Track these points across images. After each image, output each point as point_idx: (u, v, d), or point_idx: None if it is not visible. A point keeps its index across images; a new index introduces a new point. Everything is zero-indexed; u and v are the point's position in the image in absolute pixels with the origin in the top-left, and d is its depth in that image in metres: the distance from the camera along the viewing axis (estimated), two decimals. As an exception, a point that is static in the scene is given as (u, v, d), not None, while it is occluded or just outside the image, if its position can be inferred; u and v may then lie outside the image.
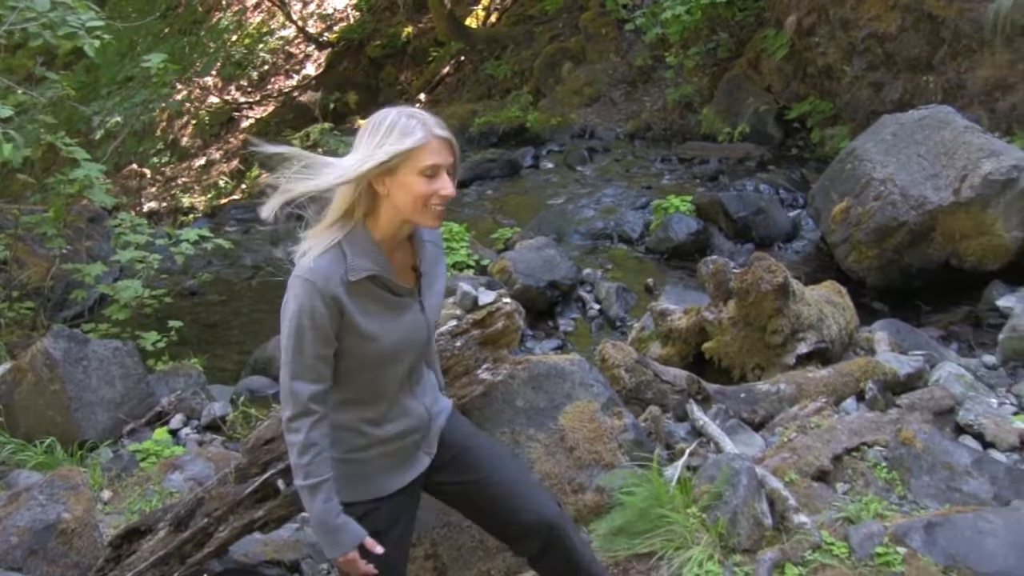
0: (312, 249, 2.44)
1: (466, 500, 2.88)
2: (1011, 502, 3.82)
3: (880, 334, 5.64)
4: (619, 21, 14.70)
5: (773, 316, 5.04)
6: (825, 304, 5.36)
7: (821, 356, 5.14)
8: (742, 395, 4.78)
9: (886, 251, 6.66)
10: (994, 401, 5.03)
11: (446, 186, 2.42)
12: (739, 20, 12.75)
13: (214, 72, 20.22)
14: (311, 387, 2.45)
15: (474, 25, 19.36)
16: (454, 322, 3.91)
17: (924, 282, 6.78)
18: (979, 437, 4.60)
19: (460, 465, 2.82)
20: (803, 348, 5.07)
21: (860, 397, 4.87)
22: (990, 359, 5.68)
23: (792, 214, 8.59)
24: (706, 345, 5.29)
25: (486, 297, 4.00)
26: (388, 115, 2.44)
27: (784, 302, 5.01)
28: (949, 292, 6.68)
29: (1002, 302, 6.07)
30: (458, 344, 3.89)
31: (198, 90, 20.22)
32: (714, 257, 5.54)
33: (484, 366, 3.99)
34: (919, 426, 4.37)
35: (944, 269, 6.69)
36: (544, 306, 7.09)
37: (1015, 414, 4.88)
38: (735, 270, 5.28)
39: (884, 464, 4.18)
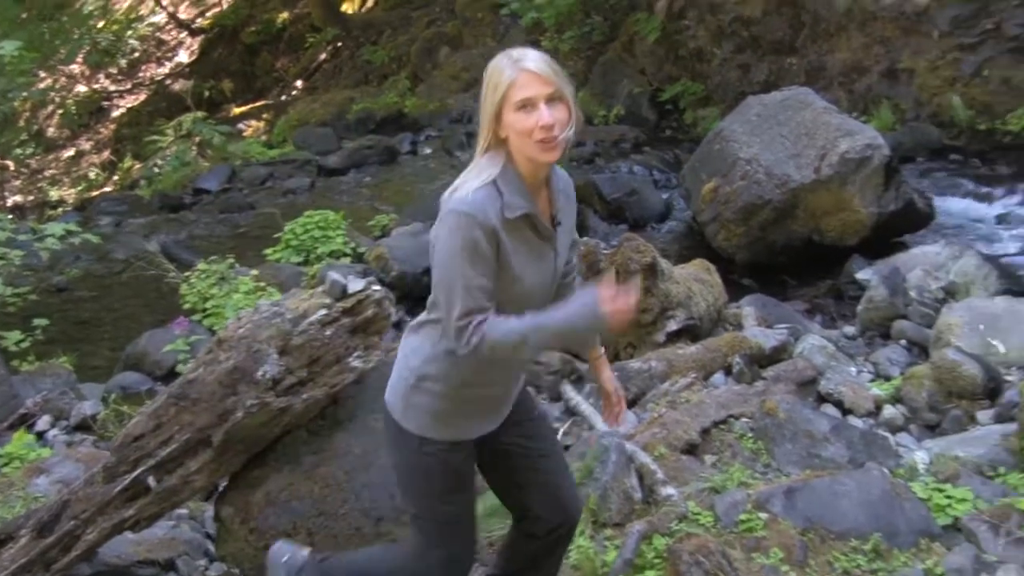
0: (466, 184, 2.47)
1: (509, 462, 2.87)
2: (864, 464, 4.00)
3: (747, 309, 5.83)
4: (495, 6, 14.73)
5: (643, 295, 5.16)
6: (694, 282, 5.51)
7: (691, 333, 5.29)
8: (615, 374, 4.87)
9: (753, 229, 6.87)
10: (853, 370, 5.27)
11: (543, 116, 2.41)
12: (612, 4, 12.92)
13: (80, 60, 19.55)
14: (476, 316, 2.41)
15: (350, 10, 19.18)
16: (323, 311, 3.92)
17: (789, 258, 7.02)
18: (839, 404, 4.81)
19: (525, 430, 2.85)
20: (673, 326, 5.21)
21: (728, 371, 5.04)
22: (850, 330, 5.93)
23: (665, 195, 8.78)
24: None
25: (355, 285, 4.02)
26: (489, 66, 2.52)
27: (653, 281, 5.14)
28: (813, 267, 6.94)
29: (861, 275, 6.35)
30: (328, 333, 3.89)
31: (63, 78, 19.54)
32: (585, 239, 5.64)
33: (355, 354, 4.00)
34: (783, 397, 4.54)
35: (808, 245, 6.94)
36: (420, 292, 7.07)
37: (871, 381, 5.12)
38: (605, 251, 5.39)
39: (750, 435, 4.34)
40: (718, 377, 4.94)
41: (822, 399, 4.90)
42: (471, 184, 2.45)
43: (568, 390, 4.61)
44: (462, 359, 2.51)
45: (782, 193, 6.70)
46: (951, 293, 5.84)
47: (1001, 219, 7.57)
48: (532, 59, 2.44)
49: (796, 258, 7.02)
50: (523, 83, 2.41)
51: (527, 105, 2.41)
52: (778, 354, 5.27)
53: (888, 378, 5.15)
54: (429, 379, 2.60)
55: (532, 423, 2.88)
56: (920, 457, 4.22)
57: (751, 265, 7.06)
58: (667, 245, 7.60)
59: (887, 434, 4.57)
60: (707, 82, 11.29)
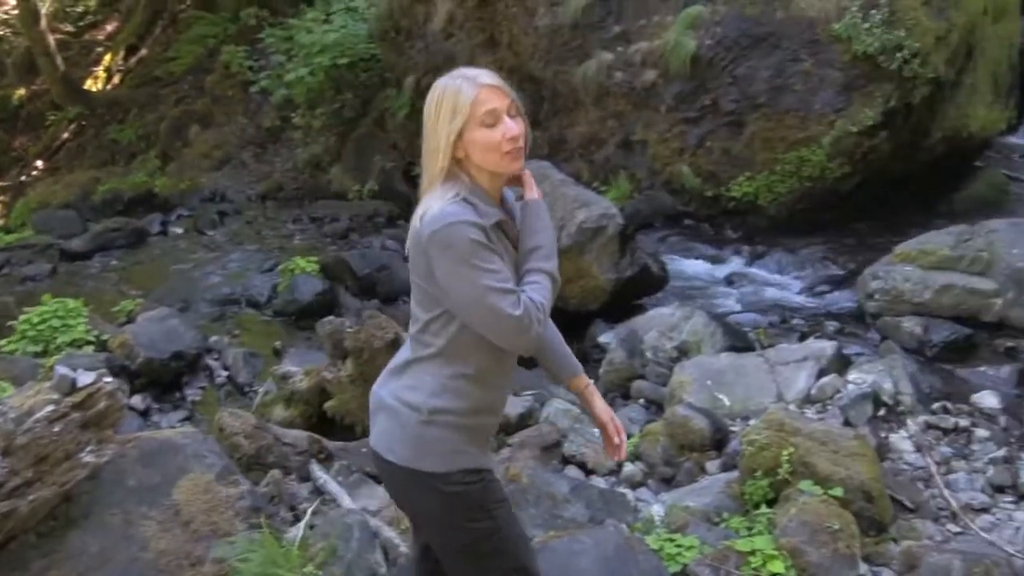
0: (433, 205, 2.41)
1: None
2: (603, 521, 4.19)
3: (495, 378, 5.99)
4: (245, 83, 14.67)
5: (389, 371, 5.23)
6: (439, 355, 5.62)
7: (438, 405, 5.38)
8: (363, 450, 4.90)
9: (498, 299, 7.06)
10: (596, 431, 5.49)
11: (509, 128, 2.44)
12: (363, 81, 13.11)
13: None
14: (522, 297, 2.39)
15: (95, 88, 18.53)
16: (51, 407, 3.76)
17: (536, 325, 7.25)
18: (582, 465, 5.03)
19: None
20: (412, 398, 5.28)
21: (475, 440, 5.15)
22: (594, 392, 6.19)
23: (416, 268, 8.91)
24: (328, 404, 5.39)
25: (85, 378, 3.89)
26: (437, 88, 2.50)
27: (398, 357, 5.21)
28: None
29: (602, 338, 6.66)
30: (56, 429, 3.74)
31: None
32: (330, 318, 5.69)
33: (88, 449, 3.86)
34: (526, 462, 4.70)
35: (553, 312, 7.17)
36: (169, 378, 6.89)
37: (613, 440, 5.35)
38: (350, 329, 5.43)
39: (496, 502, 4.44)
40: (465, 448, 5.04)
41: (567, 461, 5.09)
42: (438, 204, 2.41)
43: (315, 469, 4.59)
44: (467, 389, 2.52)
45: (525, 263, 6.95)
46: (683, 352, 6.23)
47: (728, 280, 8.16)
48: (487, 75, 2.49)
49: (542, 325, 7.24)
50: (485, 98, 2.44)
51: (493, 118, 2.44)
52: (524, 420, 5.44)
53: (628, 436, 5.40)
54: (441, 412, 2.51)
55: None
56: (656, 510, 4.46)
57: (498, 335, 7.23)
58: (418, 318, 7.71)
59: (627, 490, 4.81)
60: (457, 156, 11.59)
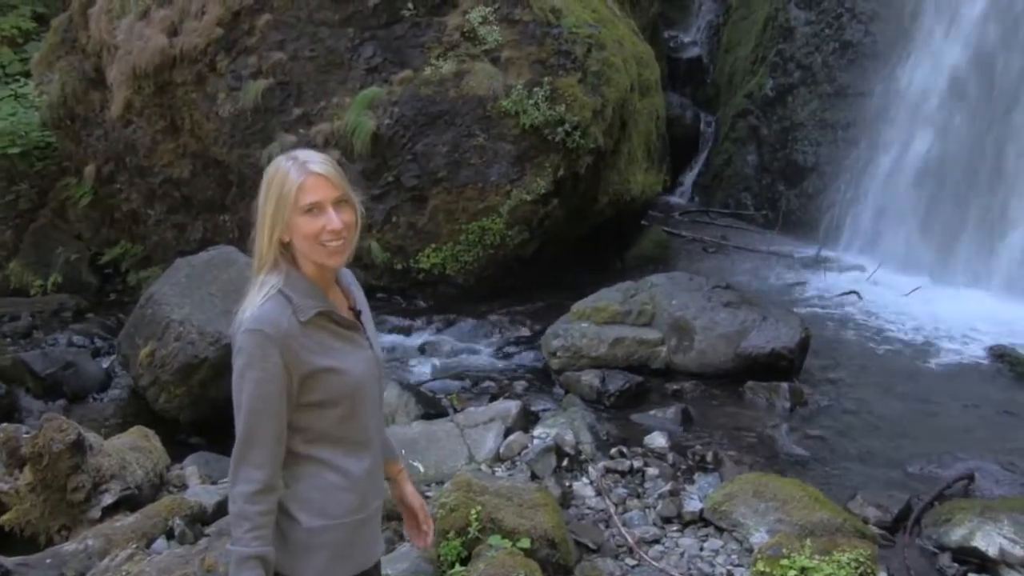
0: (252, 302, 2.39)
1: None
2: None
3: (190, 469, 5.92)
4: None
5: (72, 474, 5.06)
6: (129, 451, 5.49)
7: (129, 503, 5.26)
8: (48, 561, 4.71)
9: (193, 388, 6.96)
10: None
11: (331, 221, 2.38)
12: (39, 170, 12.54)
13: None
14: (263, 454, 2.37)
15: None
16: None
17: (231, 411, 7.18)
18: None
19: None
20: (108, 499, 5.15)
21: (170, 535, 5.07)
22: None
23: (106, 363, 8.59)
24: (4, 517, 5.13)
25: None
26: (271, 168, 2.45)
27: (81, 458, 5.06)
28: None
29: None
30: None
31: None
32: (3, 425, 5.43)
33: None
34: (224, 550, 4.67)
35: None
36: None
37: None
38: (27, 434, 5.21)
39: (188, 598, 4.40)
40: (159, 543, 4.95)
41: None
42: (256, 301, 2.39)
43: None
44: (338, 488, 2.51)
45: (216, 350, 6.88)
46: (379, 423, 6.39)
47: (422, 349, 8.44)
48: (317, 161, 2.42)
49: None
50: (311, 186, 2.39)
51: (315, 209, 2.39)
52: (222, 509, 5.39)
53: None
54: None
55: None
56: (354, 583, 4.57)
57: (197, 423, 7.10)
58: (110, 415, 7.46)
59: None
60: (146, 243, 11.32)
